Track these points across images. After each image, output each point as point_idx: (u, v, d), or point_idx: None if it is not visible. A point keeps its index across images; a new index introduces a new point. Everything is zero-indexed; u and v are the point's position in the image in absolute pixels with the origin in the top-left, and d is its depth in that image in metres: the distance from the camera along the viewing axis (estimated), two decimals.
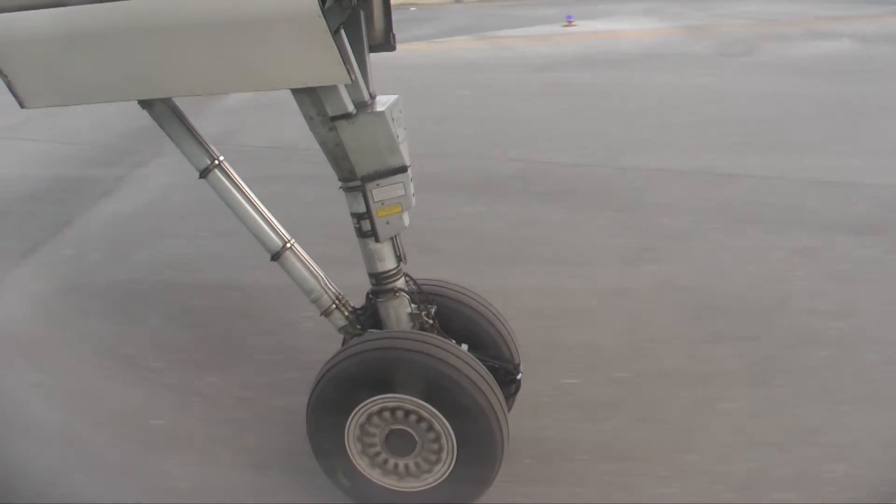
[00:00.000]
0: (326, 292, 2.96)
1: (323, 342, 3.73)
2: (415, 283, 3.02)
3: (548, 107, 10.24)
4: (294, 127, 9.56)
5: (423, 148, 8.24)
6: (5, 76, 2.33)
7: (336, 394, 2.74)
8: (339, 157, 2.62)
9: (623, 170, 7.36)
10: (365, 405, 2.72)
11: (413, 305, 2.99)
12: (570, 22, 18.00)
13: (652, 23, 18.14)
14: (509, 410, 2.98)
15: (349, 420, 2.76)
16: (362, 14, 2.67)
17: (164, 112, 2.67)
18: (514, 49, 15.27)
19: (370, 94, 2.68)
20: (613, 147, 8.11)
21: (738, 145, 8.03)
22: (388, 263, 2.87)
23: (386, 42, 2.89)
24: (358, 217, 2.75)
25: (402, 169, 2.68)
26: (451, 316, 3.12)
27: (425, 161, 7.63)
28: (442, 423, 2.69)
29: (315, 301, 2.96)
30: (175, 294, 5.15)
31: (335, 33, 2.24)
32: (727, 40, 15.19)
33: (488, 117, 9.79)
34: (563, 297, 4.80)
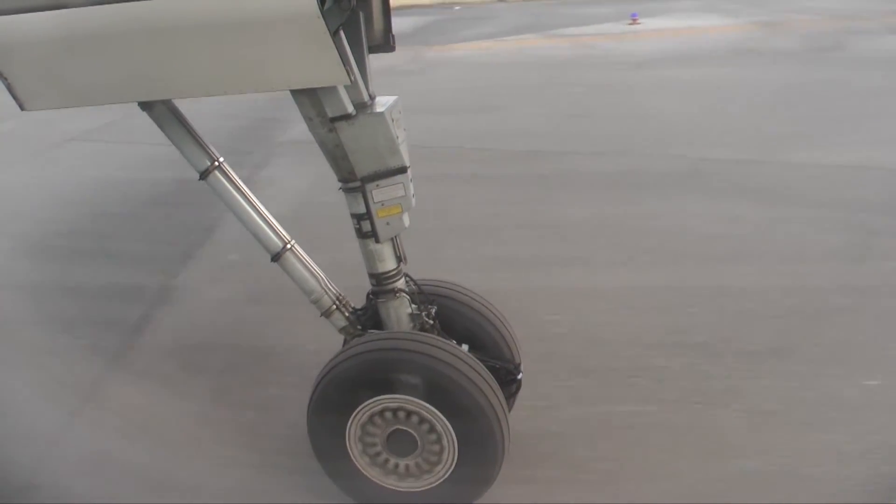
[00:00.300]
0: (327, 293, 2.96)
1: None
2: (415, 284, 3.02)
3: (673, 103, 10.13)
4: (425, 125, 9.03)
5: (575, 146, 8.28)
6: (5, 78, 2.34)
7: (337, 394, 2.75)
8: (338, 158, 2.63)
9: (796, 165, 7.23)
10: (366, 406, 2.73)
11: (413, 306, 2.99)
12: (634, 20, 17.85)
13: (716, 20, 17.91)
14: (510, 410, 2.99)
15: (350, 421, 2.76)
16: (361, 15, 2.67)
17: (164, 113, 2.68)
18: (597, 47, 15.09)
19: (370, 95, 2.68)
20: (769, 142, 7.99)
21: None
22: (389, 264, 2.88)
23: (385, 43, 2.89)
24: (358, 218, 2.76)
25: (402, 170, 2.68)
26: (451, 316, 3.12)
27: (588, 160, 7.81)
28: (443, 424, 2.69)
29: (315, 302, 2.97)
30: None
31: (334, 34, 2.24)
32: (809, 36, 14.96)
33: (621, 114, 9.70)
34: (812, 295, 4.70)
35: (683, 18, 18.43)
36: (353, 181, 2.67)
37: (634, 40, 15.77)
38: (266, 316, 4.86)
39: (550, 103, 10.47)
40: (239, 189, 2.84)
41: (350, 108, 2.52)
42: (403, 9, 23.24)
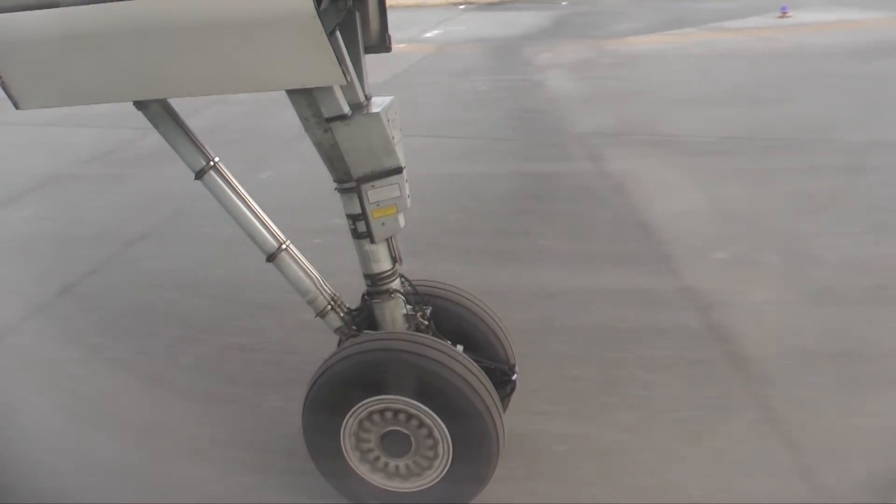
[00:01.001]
0: (322, 293, 2.96)
1: None
2: (410, 285, 3.03)
3: None
4: (731, 115, 8.98)
5: None
6: (0, 77, 2.34)
7: (332, 395, 2.75)
8: (334, 159, 2.63)
9: None
10: (360, 406, 2.73)
11: (408, 307, 2.99)
12: (784, 13, 17.23)
13: (863, 13, 17.06)
14: (504, 411, 2.99)
15: (345, 421, 2.76)
16: (357, 15, 2.67)
17: (160, 113, 2.67)
18: (780, 40, 14.50)
19: (365, 96, 2.69)
20: None
21: None
22: (384, 265, 2.88)
23: (381, 43, 2.89)
24: (353, 218, 2.76)
25: (398, 170, 2.68)
26: (446, 317, 3.12)
27: None
28: (437, 424, 2.69)
29: (310, 302, 2.97)
30: None
31: (330, 34, 2.26)
32: None
33: None
34: None
35: (826, 12, 17.66)
36: (349, 182, 2.68)
37: (808, 33, 15.15)
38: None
39: (826, 94, 9.99)
40: (234, 189, 2.84)
41: (346, 109, 2.52)
42: (509, 2, 22.91)
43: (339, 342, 3.07)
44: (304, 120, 2.54)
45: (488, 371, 2.92)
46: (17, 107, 2.43)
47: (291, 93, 2.45)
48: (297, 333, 4.34)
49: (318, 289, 2.95)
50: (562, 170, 7.49)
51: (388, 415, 2.73)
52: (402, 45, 16.65)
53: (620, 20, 18.37)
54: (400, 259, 2.95)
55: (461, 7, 23.50)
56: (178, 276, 5.42)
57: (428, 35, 18.14)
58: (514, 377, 3.14)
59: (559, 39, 15.90)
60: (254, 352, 4.36)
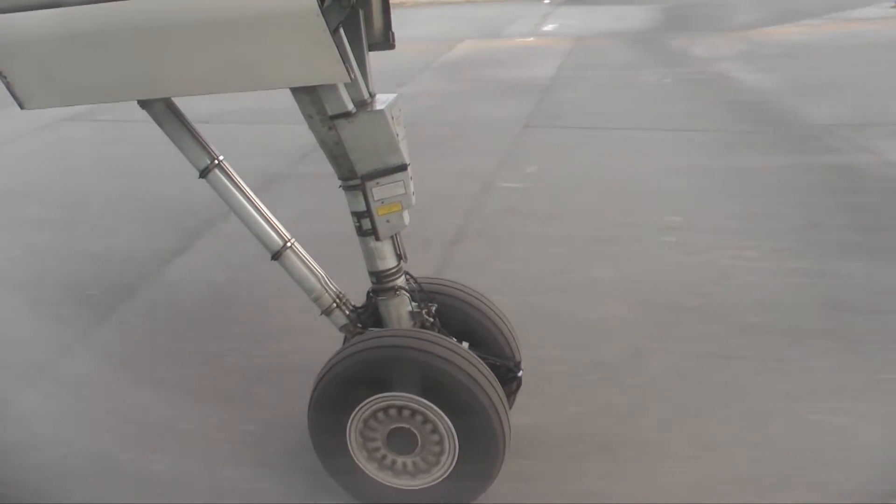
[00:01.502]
0: (327, 291, 2.96)
1: None
2: (415, 282, 3.03)
3: None
4: None
5: None
6: (4, 77, 2.34)
7: (337, 393, 2.75)
8: (338, 156, 2.63)
9: None
10: (366, 403, 2.73)
11: (414, 304, 2.99)
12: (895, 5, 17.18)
13: None
14: (510, 408, 2.99)
15: (351, 418, 2.77)
16: (361, 13, 2.67)
17: (163, 111, 2.68)
18: None
19: (369, 93, 2.68)
20: None
21: None
22: (389, 262, 2.88)
23: (385, 41, 2.88)
24: (358, 216, 2.75)
25: (402, 167, 2.68)
26: (451, 314, 3.12)
27: None
28: (443, 421, 2.69)
29: (316, 300, 2.97)
30: None
31: (334, 32, 2.24)
32: None
33: None
34: None
35: None
36: (354, 179, 2.67)
37: None
38: None
39: None
40: (239, 187, 2.84)
41: (350, 106, 2.52)
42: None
43: (345, 340, 3.07)
44: (308, 118, 2.54)
45: (494, 368, 2.92)
46: (21, 107, 2.43)
47: (295, 90, 2.45)
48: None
49: (323, 287, 2.95)
50: (842, 162, 7.11)
51: (394, 412, 2.73)
52: (530, 39, 16.11)
53: (735, 13, 17.87)
54: (405, 256, 2.95)
55: (546, 2, 22.65)
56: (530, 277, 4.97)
57: (546, 29, 17.51)
58: (520, 374, 3.14)
59: (691, 32, 15.44)
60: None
